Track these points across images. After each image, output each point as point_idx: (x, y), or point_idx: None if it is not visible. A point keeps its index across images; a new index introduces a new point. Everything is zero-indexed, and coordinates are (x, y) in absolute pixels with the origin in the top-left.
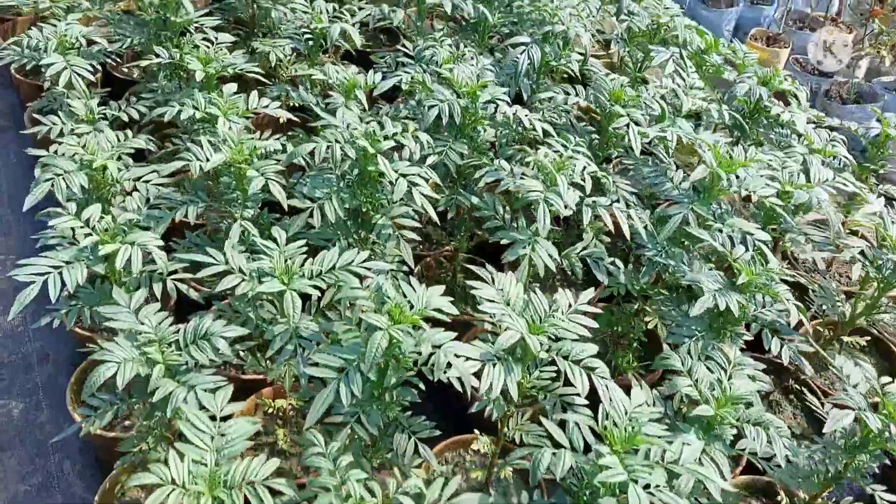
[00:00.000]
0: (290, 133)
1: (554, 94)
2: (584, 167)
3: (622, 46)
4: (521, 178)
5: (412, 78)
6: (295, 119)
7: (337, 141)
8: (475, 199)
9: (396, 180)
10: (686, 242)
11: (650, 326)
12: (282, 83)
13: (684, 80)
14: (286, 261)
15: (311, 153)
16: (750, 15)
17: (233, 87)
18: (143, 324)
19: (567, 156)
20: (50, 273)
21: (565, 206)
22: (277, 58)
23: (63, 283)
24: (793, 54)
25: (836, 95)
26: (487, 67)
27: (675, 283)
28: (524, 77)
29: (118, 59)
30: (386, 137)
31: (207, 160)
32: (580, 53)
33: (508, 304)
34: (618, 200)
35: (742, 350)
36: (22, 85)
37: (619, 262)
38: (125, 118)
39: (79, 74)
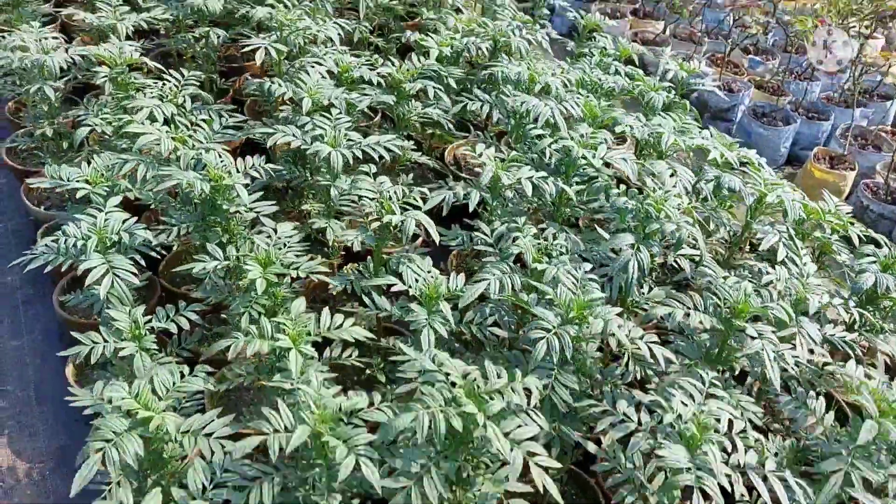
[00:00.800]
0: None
1: (673, 310)
2: (731, 421)
3: (718, 221)
4: (661, 446)
5: (501, 284)
6: (372, 337)
7: (439, 404)
8: (592, 446)
9: (511, 450)
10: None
11: None
12: (336, 251)
13: (799, 267)
14: None
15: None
16: (807, 131)
17: (301, 304)
18: None
19: (706, 408)
20: None
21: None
22: (334, 233)
23: None
24: (859, 176)
25: None
26: (591, 278)
27: None
28: (632, 280)
29: (164, 252)
30: (490, 395)
31: (286, 429)
32: (691, 246)
33: None
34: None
35: None
36: None
37: None
38: (174, 329)
39: (121, 278)
